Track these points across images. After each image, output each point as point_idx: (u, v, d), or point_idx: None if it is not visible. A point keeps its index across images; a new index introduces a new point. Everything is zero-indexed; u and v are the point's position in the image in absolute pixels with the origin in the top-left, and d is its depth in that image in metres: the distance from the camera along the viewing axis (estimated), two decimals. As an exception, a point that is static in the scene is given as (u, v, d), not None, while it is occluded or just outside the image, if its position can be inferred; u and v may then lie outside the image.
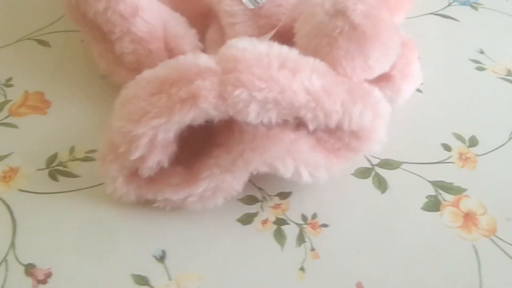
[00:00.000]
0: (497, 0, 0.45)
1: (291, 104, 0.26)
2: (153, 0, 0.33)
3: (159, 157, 0.27)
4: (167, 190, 0.28)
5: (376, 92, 0.29)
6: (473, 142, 0.34)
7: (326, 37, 0.28)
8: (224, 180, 0.28)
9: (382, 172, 0.32)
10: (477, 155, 0.34)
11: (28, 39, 0.39)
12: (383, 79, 0.32)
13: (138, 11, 0.32)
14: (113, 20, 0.31)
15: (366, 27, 0.28)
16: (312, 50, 0.29)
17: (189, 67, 0.26)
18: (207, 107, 0.25)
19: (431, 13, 0.43)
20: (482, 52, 0.40)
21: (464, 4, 0.45)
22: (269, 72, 0.25)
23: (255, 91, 0.25)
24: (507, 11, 0.44)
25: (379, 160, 0.33)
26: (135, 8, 0.31)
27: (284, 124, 0.27)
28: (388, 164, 0.33)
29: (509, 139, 0.35)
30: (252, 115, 0.26)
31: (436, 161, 0.33)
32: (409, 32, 0.41)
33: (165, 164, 0.28)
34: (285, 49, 0.27)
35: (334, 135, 0.29)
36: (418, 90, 0.37)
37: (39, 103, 0.35)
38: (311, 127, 0.27)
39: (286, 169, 0.27)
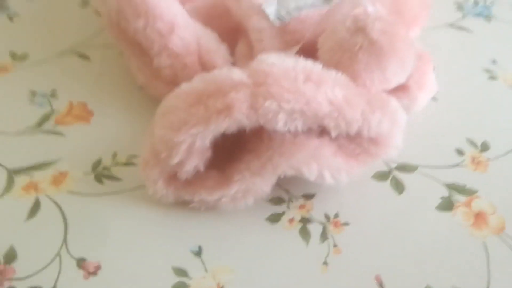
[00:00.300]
0: (509, 12, 0.48)
1: (316, 114, 0.29)
2: (188, 17, 0.36)
3: (196, 162, 0.30)
4: (202, 192, 0.31)
5: (393, 101, 0.31)
6: (485, 147, 0.37)
7: (347, 52, 0.31)
8: (254, 183, 0.31)
9: (399, 175, 0.35)
10: (488, 159, 0.36)
11: (68, 52, 0.43)
12: (400, 89, 0.35)
13: (174, 28, 0.34)
14: (152, 37, 0.35)
15: (384, 43, 0.31)
16: (334, 64, 0.32)
17: (224, 80, 0.29)
18: (241, 117, 0.28)
19: (446, 25, 0.46)
20: (494, 62, 0.43)
21: (478, 16, 0.47)
22: (295, 85, 0.28)
23: (283, 102, 0.28)
24: (518, 22, 0.46)
25: (396, 164, 0.36)
26: (171, 25, 0.35)
27: (308, 131, 0.30)
28: (405, 167, 0.35)
29: (519, 144, 0.37)
30: (280, 123, 0.28)
31: (450, 164, 0.36)
32: (424, 44, 0.43)
33: (201, 168, 0.31)
34: (309, 63, 0.30)
35: (354, 141, 0.31)
36: (434, 98, 0.40)
37: (83, 113, 0.38)
38: (333, 134, 0.30)
39: (310, 173, 0.30)
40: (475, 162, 0.36)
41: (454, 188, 0.34)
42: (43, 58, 0.42)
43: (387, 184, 0.35)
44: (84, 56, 0.42)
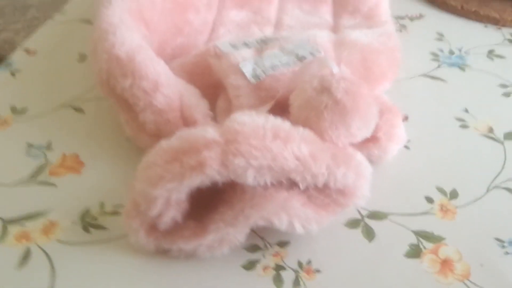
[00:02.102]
0: (483, 60, 0.50)
1: (282, 169, 0.31)
2: (171, 75, 0.39)
3: (173, 214, 0.32)
4: (180, 241, 0.33)
5: (358, 155, 0.34)
6: (453, 194, 0.38)
7: (314, 110, 0.34)
8: (228, 233, 0.33)
9: (371, 222, 0.37)
10: (456, 206, 0.38)
11: (64, 106, 0.46)
12: (370, 141, 0.38)
13: (158, 87, 0.37)
14: (137, 94, 0.37)
15: (347, 102, 0.33)
16: (303, 120, 0.34)
17: (197, 139, 0.31)
18: (212, 174, 0.30)
19: (421, 75, 0.48)
20: (466, 111, 0.45)
21: (452, 65, 0.49)
22: (263, 143, 0.31)
23: (251, 159, 0.30)
24: (491, 71, 0.49)
25: (368, 211, 0.38)
26: (155, 84, 0.37)
27: (279, 184, 0.32)
28: (376, 215, 0.37)
29: (487, 191, 0.39)
30: (250, 179, 0.31)
31: (419, 212, 0.37)
32: (399, 94, 0.46)
33: (179, 219, 0.33)
34: (278, 121, 0.33)
35: (323, 192, 0.34)
36: (405, 147, 0.42)
37: (74, 164, 0.41)
38: (301, 187, 0.32)
39: (281, 223, 0.32)
40: (444, 210, 0.38)
41: (422, 235, 0.36)
42: (40, 111, 0.45)
43: (358, 231, 0.36)
44: (79, 109, 0.45)
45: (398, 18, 0.55)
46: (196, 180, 0.31)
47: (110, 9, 0.40)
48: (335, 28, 0.51)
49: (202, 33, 0.49)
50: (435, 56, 0.50)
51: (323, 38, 0.43)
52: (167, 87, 0.38)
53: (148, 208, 0.32)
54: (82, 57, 0.51)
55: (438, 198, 0.38)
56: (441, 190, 0.39)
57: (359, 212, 0.37)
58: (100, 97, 0.46)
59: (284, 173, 0.31)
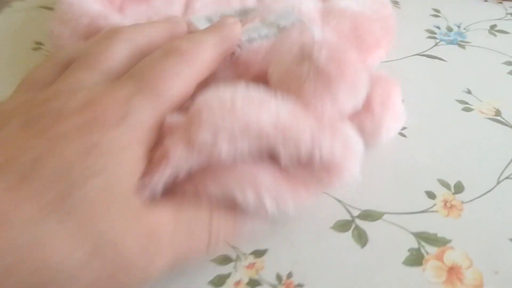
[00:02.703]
0: (484, 37, 0.45)
1: (259, 135, 0.25)
2: None
3: None
4: None
5: (346, 127, 0.28)
6: (458, 188, 0.33)
7: (295, 81, 0.28)
8: None
9: (363, 224, 0.31)
10: (462, 202, 0.32)
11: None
12: (363, 113, 0.32)
13: None
14: None
15: (331, 69, 0.28)
16: (285, 93, 0.28)
17: (164, 129, 0.27)
18: (179, 161, 0.25)
19: (417, 54, 0.43)
20: (469, 92, 0.39)
21: (451, 43, 0.44)
22: (232, 112, 0.25)
23: (219, 130, 0.25)
24: (495, 48, 0.43)
25: (359, 211, 0.32)
26: None
27: (260, 160, 0.27)
28: (369, 215, 0.32)
29: (497, 183, 0.33)
30: (223, 153, 0.25)
31: (419, 210, 0.32)
32: (394, 75, 0.40)
33: None
34: (251, 88, 0.27)
35: (305, 169, 0.28)
36: (402, 135, 0.36)
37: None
38: (282, 160, 0.26)
39: (245, 198, 0.26)
40: (448, 206, 0.32)
41: (424, 237, 0.30)
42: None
43: (348, 235, 0.31)
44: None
45: (389, -7, 0.50)
46: (166, 173, 0.25)
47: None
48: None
49: (174, 7, 0.44)
50: (432, 34, 0.45)
51: (309, 6, 0.38)
52: None
53: None
54: (38, 45, 0.45)
55: (441, 192, 0.33)
56: (444, 184, 0.33)
57: (349, 212, 0.32)
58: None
59: (261, 142, 0.25)
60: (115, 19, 0.37)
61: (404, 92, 0.39)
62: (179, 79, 0.28)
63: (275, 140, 0.26)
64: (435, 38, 0.44)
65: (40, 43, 0.45)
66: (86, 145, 0.22)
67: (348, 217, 0.32)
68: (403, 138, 0.36)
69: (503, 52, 0.43)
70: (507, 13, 0.47)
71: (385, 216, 0.31)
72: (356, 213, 0.32)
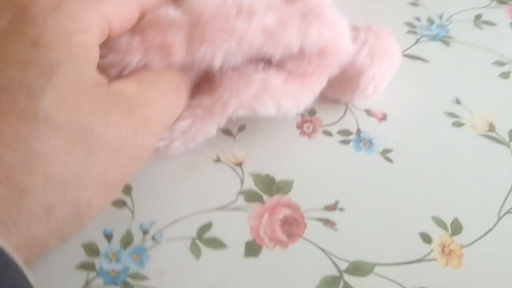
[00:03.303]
0: (469, 30, 0.40)
1: (251, 47, 0.28)
2: None
3: None
4: None
5: (329, 11, 0.30)
6: (456, 228, 0.29)
7: None
8: (204, 121, 0.29)
9: (352, 281, 0.27)
10: (462, 246, 0.28)
11: None
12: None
13: None
14: None
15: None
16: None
17: (159, 17, 0.28)
18: (177, 60, 0.27)
19: (397, 54, 0.38)
20: (458, 102, 0.35)
21: (434, 39, 0.39)
22: (228, 23, 0.27)
23: (218, 44, 0.27)
24: (482, 44, 0.39)
25: (347, 263, 0.27)
26: None
27: (255, 66, 0.29)
28: (358, 268, 0.27)
29: (498, 220, 0.29)
30: (217, 64, 0.28)
31: (415, 259, 0.28)
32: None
33: None
34: None
35: (303, 61, 0.30)
36: (389, 160, 0.32)
37: None
38: (276, 58, 0.29)
39: (266, 108, 0.29)
40: (446, 252, 0.28)
41: (423, 295, 0.26)
42: None
43: (336, 296, 0.26)
44: None
45: (361, -24, 0.44)
46: (159, 64, 0.27)
47: None
48: None
49: None
50: (412, 27, 0.39)
51: None
52: None
53: None
54: None
55: (437, 234, 0.29)
56: (439, 222, 0.29)
57: (336, 266, 0.27)
58: None
59: (253, 51, 0.28)
60: None
61: (386, 104, 0.35)
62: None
63: (266, 46, 0.28)
64: (415, 33, 0.39)
65: None
66: (27, 40, 0.21)
67: (335, 272, 0.27)
68: (390, 164, 0.31)
69: (492, 49, 0.38)
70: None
71: (376, 269, 0.27)
72: (344, 266, 0.27)
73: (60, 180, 0.20)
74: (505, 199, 0.30)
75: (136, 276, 0.27)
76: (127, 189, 0.30)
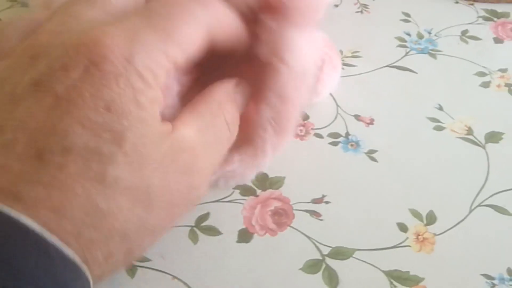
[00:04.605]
0: (456, 44, 0.43)
1: None
2: None
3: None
4: None
5: None
6: (431, 219, 0.32)
7: None
8: (247, 166, 0.31)
9: (333, 263, 0.30)
10: (434, 234, 0.31)
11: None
12: None
13: None
14: None
15: None
16: None
17: None
18: None
19: (388, 66, 0.41)
20: (440, 108, 0.38)
21: (422, 52, 0.42)
22: None
23: None
24: (466, 56, 0.42)
25: (329, 248, 0.30)
26: None
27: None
28: (339, 253, 0.30)
29: (470, 212, 0.32)
30: None
31: (391, 245, 0.31)
32: (362, 90, 0.39)
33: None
34: None
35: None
36: (373, 159, 0.35)
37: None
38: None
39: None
40: (420, 240, 0.31)
41: (396, 277, 0.29)
42: None
43: (318, 277, 0.29)
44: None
45: (358, -5, 0.48)
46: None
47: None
48: None
49: None
50: (402, 42, 0.43)
51: None
52: None
53: None
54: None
55: (412, 224, 0.32)
56: (415, 214, 0.32)
57: (319, 250, 0.30)
58: None
59: None
60: None
61: (374, 110, 0.38)
62: (196, 24, 0.24)
63: None
64: (405, 47, 0.43)
65: None
66: (101, 104, 0.21)
67: (318, 256, 0.30)
68: (375, 163, 0.35)
69: (475, 62, 0.41)
70: (478, 16, 0.45)
71: (356, 253, 0.30)
72: (326, 251, 0.30)
73: (120, 233, 0.22)
74: (477, 195, 0.33)
75: (140, 258, 0.30)
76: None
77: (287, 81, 0.28)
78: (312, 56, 0.30)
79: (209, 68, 0.29)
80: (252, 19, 0.28)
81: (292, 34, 0.28)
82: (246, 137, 0.31)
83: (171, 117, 0.25)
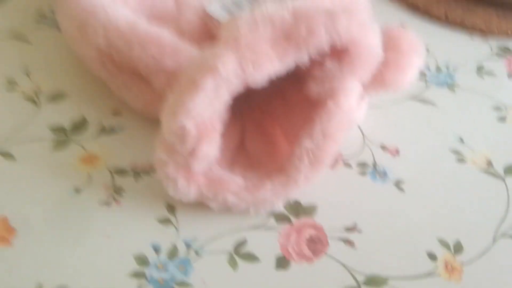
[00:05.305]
0: (473, 78, 0.45)
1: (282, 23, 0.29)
2: (175, 40, 0.37)
3: (207, 148, 0.30)
4: (227, 193, 0.32)
5: (360, 10, 0.31)
6: (458, 248, 0.33)
7: None
8: (277, 195, 0.32)
9: (368, 291, 0.31)
10: (462, 263, 0.33)
11: (-9, 152, 0.37)
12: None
13: (165, 51, 0.36)
14: (147, 62, 0.36)
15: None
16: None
17: (206, 57, 0.30)
18: (227, 74, 0.28)
19: (410, 98, 0.43)
20: (461, 141, 0.40)
21: (441, 85, 0.44)
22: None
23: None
24: (484, 91, 0.44)
25: (364, 277, 0.32)
26: (162, 49, 0.36)
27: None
28: (374, 280, 0.32)
29: (493, 242, 0.34)
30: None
31: (422, 273, 0.32)
32: (386, 122, 0.41)
33: (215, 153, 0.31)
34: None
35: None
36: (400, 189, 0.36)
37: (2, 231, 0.33)
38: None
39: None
40: (449, 268, 0.32)
41: (430, 304, 0.31)
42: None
43: (355, 304, 0.31)
44: (8, 156, 0.37)
45: (377, 28, 0.50)
46: (211, 84, 0.28)
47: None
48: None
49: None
50: (422, 75, 0.45)
51: None
52: (172, 51, 0.36)
53: (179, 139, 0.29)
54: (11, 84, 0.42)
55: (441, 253, 0.33)
56: (444, 243, 0.34)
57: (354, 278, 0.32)
58: (34, 139, 0.38)
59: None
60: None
61: (399, 141, 0.40)
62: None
63: (297, 27, 0.29)
64: (425, 80, 0.45)
65: (13, 82, 0.42)
66: None
67: (354, 283, 0.32)
68: (402, 193, 0.36)
69: (491, 96, 0.43)
70: (493, 52, 0.47)
71: (390, 281, 0.32)
72: (361, 278, 0.32)
73: None
74: (499, 225, 0.35)
75: (182, 284, 0.31)
76: (172, 209, 0.35)
77: (334, 121, 0.30)
78: (356, 99, 0.32)
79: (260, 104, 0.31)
80: (313, 62, 0.30)
81: (349, 81, 0.31)
82: (279, 166, 0.33)
83: None
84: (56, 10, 0.42)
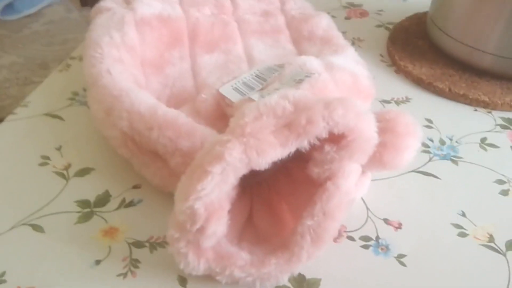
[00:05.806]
0: (476, 151, 0.47)
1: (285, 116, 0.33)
2: (191, 123, 0.41)
3: (216, 227, 0.32)
4: (234, 268, 0.34)
5: (355, 100, 0.33)
6: (459, 325, 0.35)
7: None
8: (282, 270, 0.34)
9: None
10: None
11: (23, 224, 0.41)
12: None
13: (181, 133, 0.40)
14: (164, 143, 0.40)
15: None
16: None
17: (213, 143, 0.32)
18: (233, 160, 0.31)
19: (413, 171, 0.45)
20: (463, 215, 0.41)
21: (444, 158, 0.46)
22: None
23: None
24: (486, 165, 0.46)
25: None
26: (178, 131, 0.40)
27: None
28: None
29: (494, 320, 0.35)
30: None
31: None
32: (390, 195, 0.42)
33: (223, 230, 0.33)
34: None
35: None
36: (402, 264, 0.38)
37: (31, 302, 0.36)
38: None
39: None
40: None
41: None
42: (-6, 232, 0.40)
43: None
44: (37, 228, 0.40)
45: (383, 102, 0.52)
46: (216, 170, 0.31)
47: (113, 77, 0.45)
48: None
49: (186, 80, 0.53)
50: (426, 147, 0.47)
51: (313, 63, 0.46)
52: (187, 132, 0.40)
53: (189, 219, 0.31)
54: (44, 160, 0.46)
55: (442, 330, 0.34)
56: (444, 320, 0.35)
57: None
58: (61, 211, 0.42)
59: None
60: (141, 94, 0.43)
61: (402, 214, 0.41)
62: None
63: (297, 117, 0.31)
64: (429, 152, 0.47)
65: (46, 157, 0.46)
66: None
67: None
68: (403, 267, 0.38)
69: (494, 169, 0.45)
70: (496, 124, 0.49)
71: None
72: None
73: None
74: (501, 302, 0.36)
75: None
76: (183, 282, 0.37)
77: (334, 201, 0.33)
78: (355, 180, 0.34)
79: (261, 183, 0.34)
80: (313, 145, 0.33)
81: (348, 165, 0.33)
82: (283, 242, 0.35)
83: None
84: (87, 93, 0.46)
